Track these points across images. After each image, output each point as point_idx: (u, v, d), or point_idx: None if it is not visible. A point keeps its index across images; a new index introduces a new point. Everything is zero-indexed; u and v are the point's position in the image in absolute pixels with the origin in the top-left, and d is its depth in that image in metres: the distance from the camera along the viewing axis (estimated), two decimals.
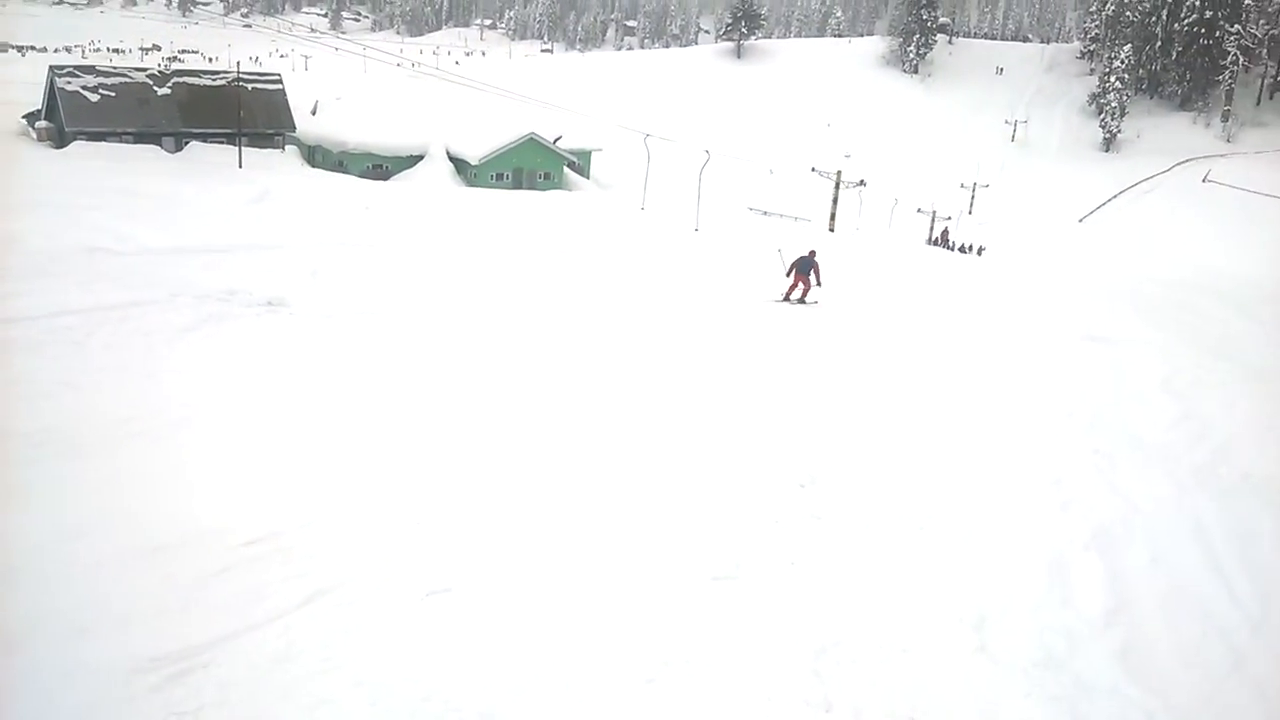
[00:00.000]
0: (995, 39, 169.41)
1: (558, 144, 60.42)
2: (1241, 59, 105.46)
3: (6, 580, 7.20)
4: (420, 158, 57.86)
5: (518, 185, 57.63)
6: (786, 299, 23.94)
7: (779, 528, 10.00)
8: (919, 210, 70.71)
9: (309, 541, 8.40)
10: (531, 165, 58.75)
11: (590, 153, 66.28)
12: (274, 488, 9.32)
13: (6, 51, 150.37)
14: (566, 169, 61.57)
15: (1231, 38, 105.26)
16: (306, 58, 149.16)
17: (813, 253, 24.29)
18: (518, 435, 11.70)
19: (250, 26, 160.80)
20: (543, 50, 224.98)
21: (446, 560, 8.41)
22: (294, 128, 54.49)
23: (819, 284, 24.00)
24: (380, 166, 56.51)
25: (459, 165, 57.70)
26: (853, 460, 12.35)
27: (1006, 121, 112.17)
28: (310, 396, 12.10)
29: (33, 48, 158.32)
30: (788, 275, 24.07)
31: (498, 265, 24.52)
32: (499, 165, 57.33)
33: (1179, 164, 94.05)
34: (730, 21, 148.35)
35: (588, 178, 65.27)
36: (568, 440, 11.77)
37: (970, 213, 79.21)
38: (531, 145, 58.26)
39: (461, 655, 7.11)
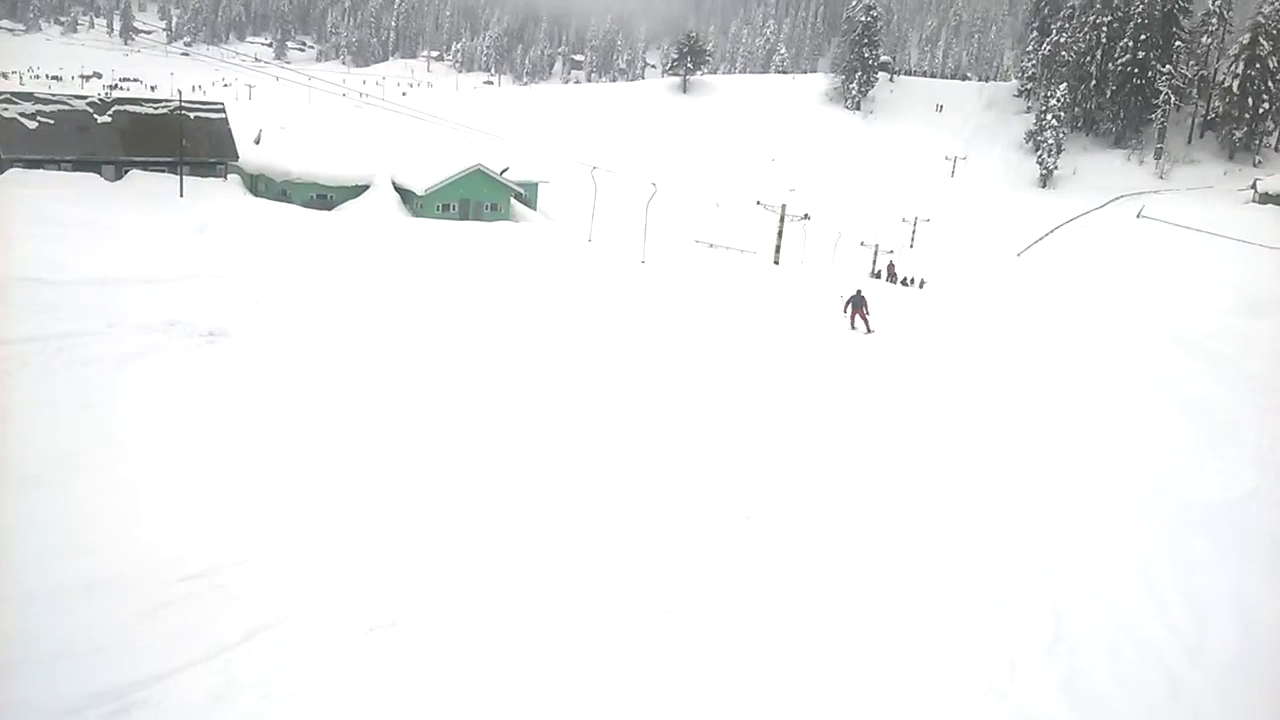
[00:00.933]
0: (935, 77, 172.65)
1: (504, 175, 60.38)
2: (1173, 98, 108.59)
3: None
4: (365, 188, 57.39)
5: (464, 216, 57.35)
6: (852, 328, 28.24)
7: (726, 560, 10.02)
8: (862, 244, 71.52)
9: (249, 576, 8.27)
10: (478, 196, 58.53)
11: (537, 185, 66.24)
12: (214, 522, 9.18)
13: None
14: (513, 200, 61.50)
15: (1163, 78, 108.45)
16: (250, 87, 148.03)
17: (859, 291, 29.06)
18: (461, 467, 11.63)
19: (188, 55, 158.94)
20: (485, 82, 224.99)
21: (390, 594, 8.32)
22: (237, 157, 53.84)
23: (868, 313, 28.40)
24: (325, 196, 55.98)
25: (405, 196, 57.33)
26: (796, 492, 12.42)
27: (946, 157, 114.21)
28: (251, 429, 11.94)
29: None
30: (844, 312, 28.55)
31: (444, 296, 24.39)
32: (445, 196, 57.03)
33: (1114, 200, 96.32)
34: (676, 57, 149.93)
35: (535, 209, 65.25)
36: (513, 471, 11.72)
37: (911, 246, 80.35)
38: (478, 176, 58.06)
39: (405, 691, 7.03)
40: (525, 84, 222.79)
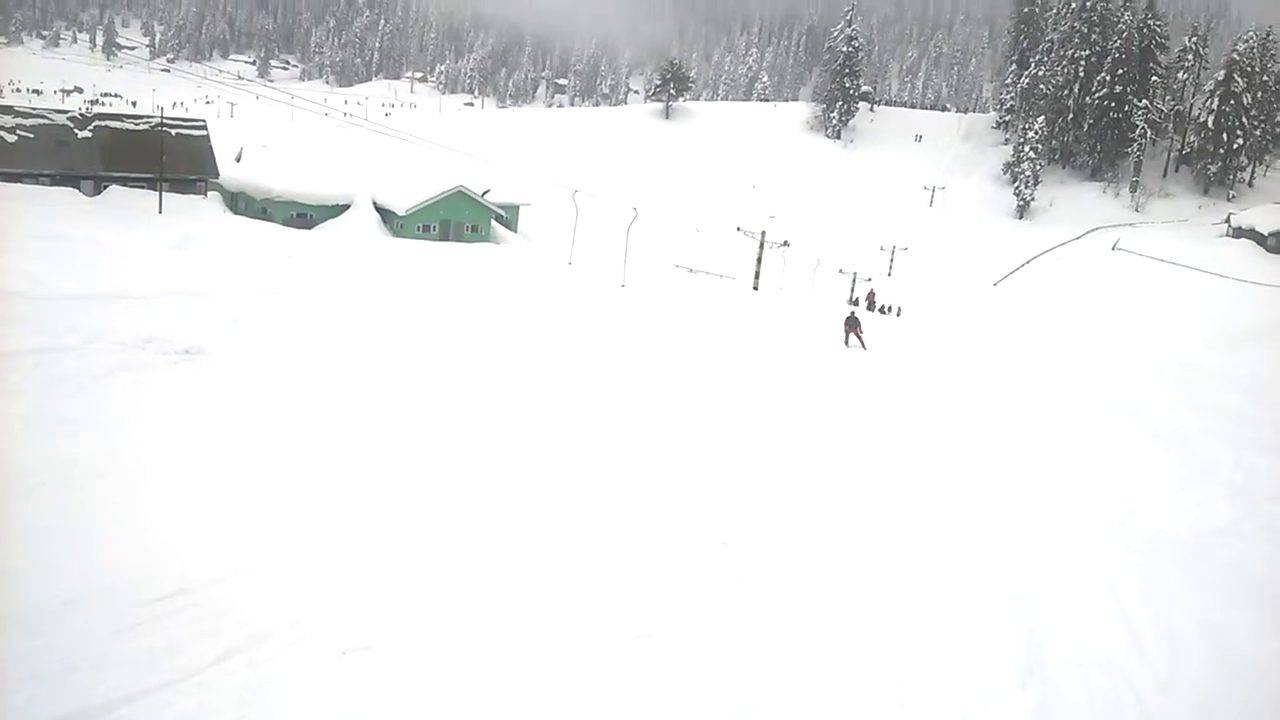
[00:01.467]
0: (915, 108, 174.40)
1: (486, 197, 60.47)
2: (1149, 132, 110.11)
3: None
4: (346, 207, 57.47)
5: (444, 237, 57.44)
6: (847, 345, 32.21)
7: (702, 586, 10.01)
8: (840, 271, 71.97)
9: (223, 597, 8.19)
10: (459, 218, 58.65)
11: (518, 207, 66.44)
12: (187, 541, 9.09)
13: None
14: (494, 222, 61.61)
15: (1140, 112, 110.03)
16: (233, 104, 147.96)
17: (853, 313, 34.19)
18: (437, 488, 11.58)
19: (170, 71, 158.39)
20: (466, 104, 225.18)
21: (365, 617, 8.26)
22: (218, 174, 53.76)
23: (863, 331, 32.75)
24: (305, 215, 56.01)
25: (385, 216, 57.40)
26: (771, 519, 12.43)
27: (925, 187, 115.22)
28: (226, 448, 11.86)
29: None
30: (844, 330, 32.82)
31: (422, 317, 24.35)
32: (426, 217, 57.14)
33: (1089, 232, 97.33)
34: (659, 83, 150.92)
35: (515, 231, 65.39)
36: (489, 494, 11.68)
37: (889, 274, 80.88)
38: (460, 198, 58.21)
39: (380, 717, 6.97)
40: (508, 107, 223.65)
